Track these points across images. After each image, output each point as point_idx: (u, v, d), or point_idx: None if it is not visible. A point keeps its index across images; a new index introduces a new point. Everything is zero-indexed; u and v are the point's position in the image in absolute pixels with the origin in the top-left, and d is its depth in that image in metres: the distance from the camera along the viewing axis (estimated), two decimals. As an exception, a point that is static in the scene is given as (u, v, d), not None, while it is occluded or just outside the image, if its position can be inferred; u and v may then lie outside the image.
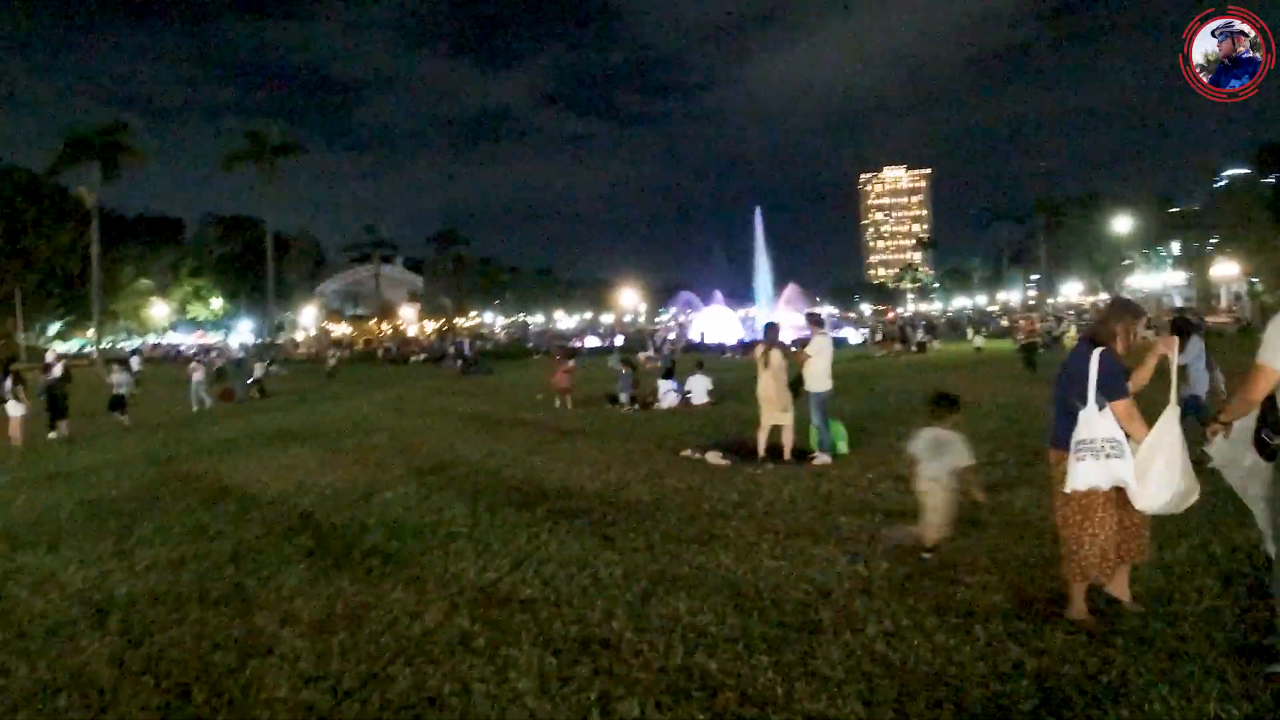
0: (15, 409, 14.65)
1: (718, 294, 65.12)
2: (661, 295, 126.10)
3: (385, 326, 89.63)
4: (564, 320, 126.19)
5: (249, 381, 25.70)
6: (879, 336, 45.25)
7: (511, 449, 11.51)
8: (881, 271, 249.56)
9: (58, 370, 16.45)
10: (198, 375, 22.99)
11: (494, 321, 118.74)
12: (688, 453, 10.35)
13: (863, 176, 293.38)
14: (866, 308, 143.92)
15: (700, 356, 24.68)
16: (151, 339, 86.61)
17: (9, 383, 14.83)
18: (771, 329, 10.35)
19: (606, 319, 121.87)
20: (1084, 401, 4.26)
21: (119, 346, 70.24)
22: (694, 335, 55.86)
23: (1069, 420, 4.32)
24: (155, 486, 9.86)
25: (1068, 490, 4.31)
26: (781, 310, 57.92)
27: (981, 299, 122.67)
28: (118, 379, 20.36)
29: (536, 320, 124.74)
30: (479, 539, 6.57)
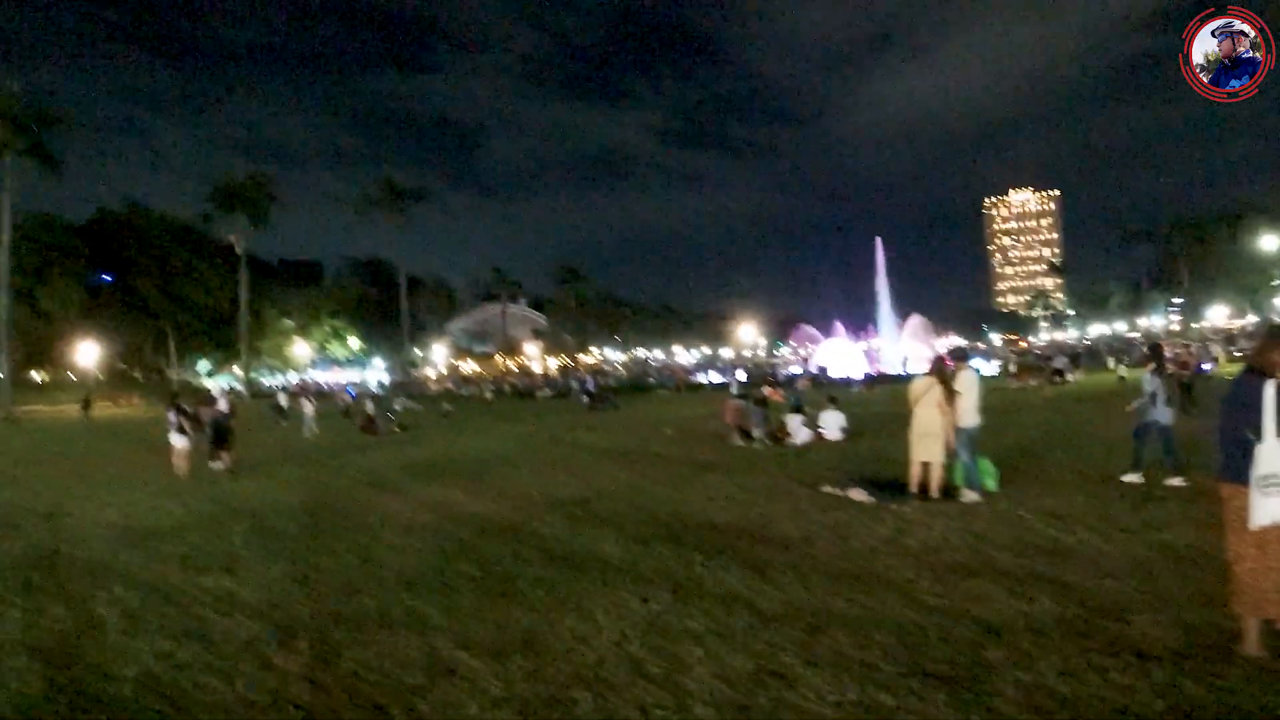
0: (179, 440, 15.74)
1: (838, 326, 64.33)
2: (780, 328, 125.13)
3: (510, 363, 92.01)
4: (683, 355, 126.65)
5: (389, 416, 26.83)
6: (1013, 368, 43.65)
7: (650, 483, 11.66)
8: (1011, 299, 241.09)
9: (223, 404, 17.63)
10: (308, 409, 26.02)
11: (614, 357, 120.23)
12: (829, 489, 10.27)
13: (987, 200, 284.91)
14: (996, 337, 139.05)
15: (833, 391, 24.43)
16: (294, 375, 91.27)
17: (173, 415, 15.96)
18: (938, 361, 10.21)
19: (726, 353, 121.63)
20: (1259, 435, 4.11)
21: (267, 383, 74.21)
22: (816, 368, 55.20)
23: (1241, 453, 4.18)
24: (316, 514, 10.43)
25: (1253, 526, 4.16)
26: (906, 341, 56.58)
27: (1120, 325, 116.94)
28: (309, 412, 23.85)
29: (656, 355, 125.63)
30: (635, 571, 6.71)
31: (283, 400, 30.97)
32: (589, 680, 4.50)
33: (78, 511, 11.40)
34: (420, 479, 13.39)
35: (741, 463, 13.57)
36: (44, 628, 5.97)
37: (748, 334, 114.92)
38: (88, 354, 68.20)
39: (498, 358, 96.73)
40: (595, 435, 20.13)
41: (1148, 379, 10.50)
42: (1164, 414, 10.20)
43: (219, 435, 16.70)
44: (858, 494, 9.77)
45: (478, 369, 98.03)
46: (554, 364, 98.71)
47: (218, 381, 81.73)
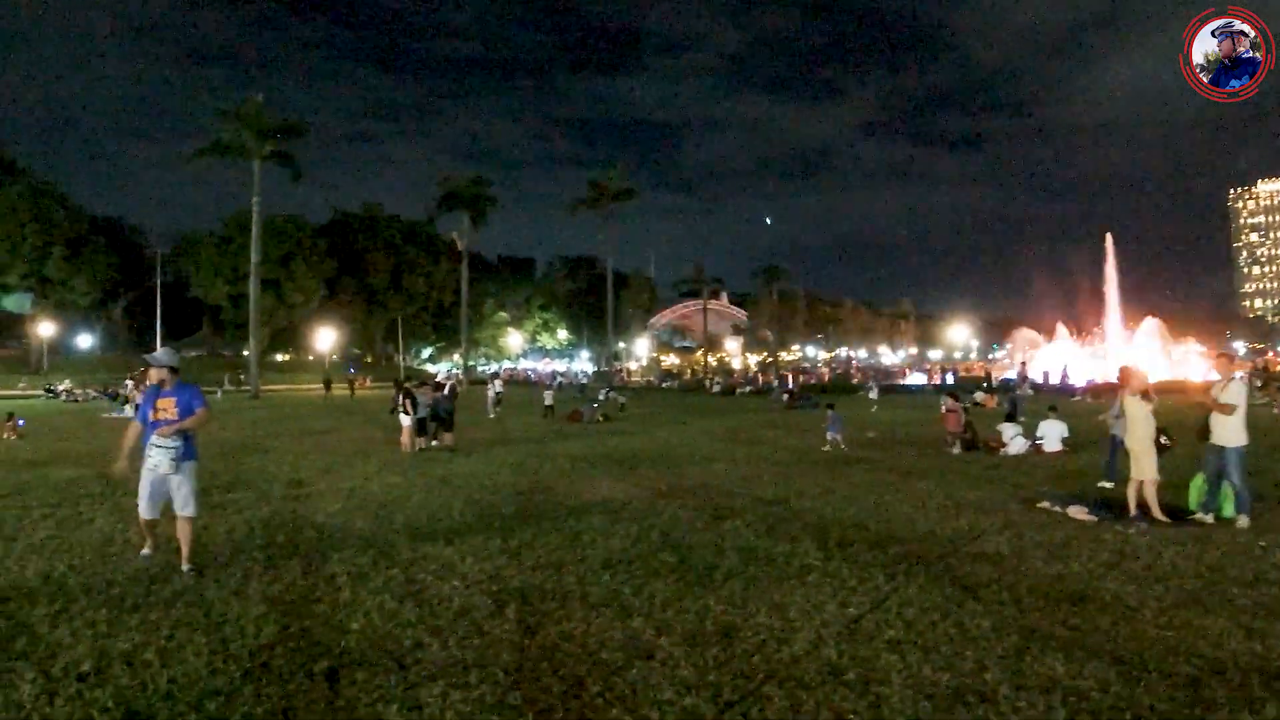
0: (406, 420, 17.05)
1: (1060, 328, 60.21)
2: (995, 329, 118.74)
3: (711, 359, 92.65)
4: (888, 355, 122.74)
5: (594, 405, 27.77)
6: (1259, 382, 39.13)
7: (851, 487, 11.45)
8: (1259, 303, 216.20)
9: (447, 389, 18.96)
10: (491, 391, 30.47)
11: (816, 356, 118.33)
12: (1046, 504, 9.70)
13: (1231, 192, 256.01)
14: (1240, 345, 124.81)
15: (1053, 399, 22.94)
16: (507, 364, 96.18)
17: (400, 398, 17.38)
18: (1123, 372, 9.53)
19: (934, 355, 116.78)
20: None
21: (480, 370, 78.81)
22: (1035, 374, 51.96)
23: None
24: (527, 495, 11.01)
25: None
26: (1137, 347, 52.16)
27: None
28: (492, 393, 26.46)
29: (860, 355, 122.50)
30: (834, 574, 6.65)
31: (497, 386, 32.79)
32: (782, 678, 4.53)
33: (316, 480, 12.61)
34: (622, 468, 13.81)
35: (950, 472, 13.05)
36: (283, 582, 6.67)
37: (959, 335, 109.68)
38: (326, 340, 75.11)
39: (698, 353, 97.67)
40: (794, 435, 19.95)
41: None
42: None
43: (441, 417, 17.94)
44: (1078, 512, 9.18)
45: (678, 363, 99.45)
46: (754, 361, 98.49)
47: (440, 368, 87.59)
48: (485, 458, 15.61)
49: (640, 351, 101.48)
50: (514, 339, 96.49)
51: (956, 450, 15.58)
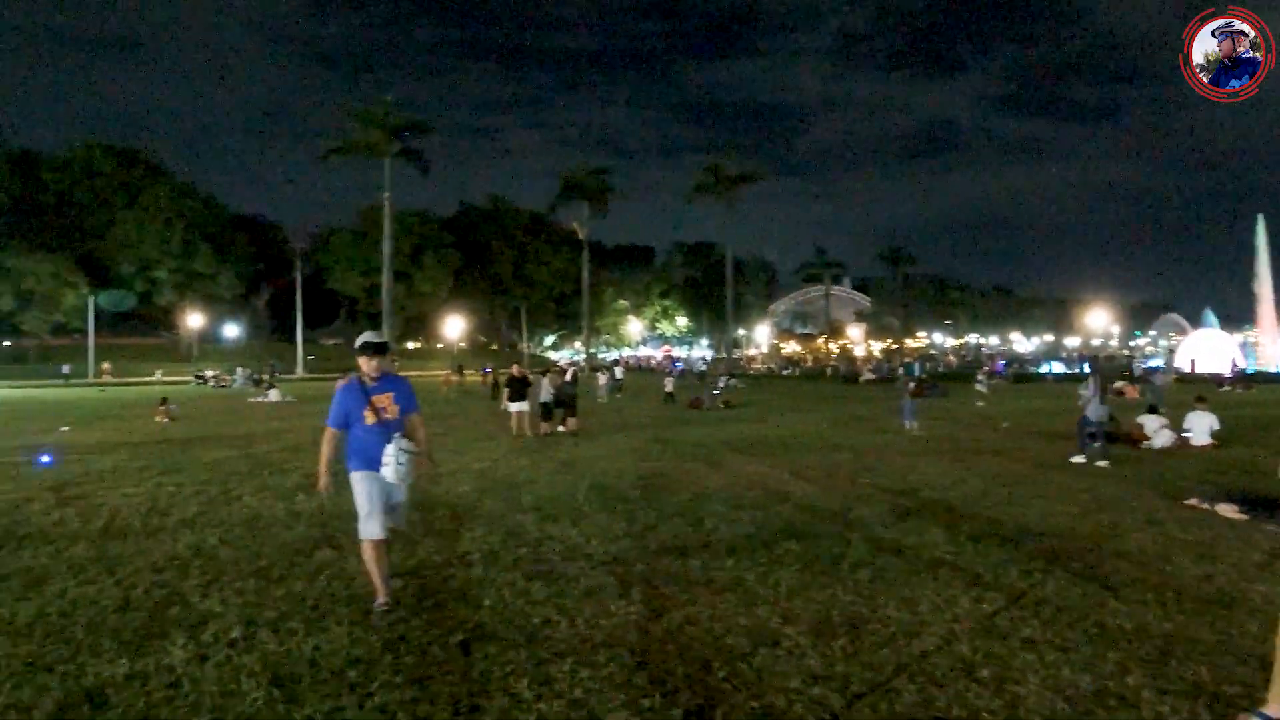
0: (520, 405, 17.45)
1: (1209, 315, 56.51)
2: (1138, 315, 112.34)
3: (833, 345, 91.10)
4: (1021, 342, 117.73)
5: (714, 393, 27.72)
6: None
7: (983, 479, 11.06)
8: None
9: (569, 375, 19.30)
10: (602, 378, 30.78)
11: (944, 342, 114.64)
12: (1193, 501, 9.12)
13: None
14: None
15: (1201, 390, 21.54)
16: (627, 351, 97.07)
17: (517, 384, 17.83)
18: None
19: (1071, 342, 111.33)
20: None
21: (600, 357, 79.86)
22: (1182, 363, 48.97)
23: None
24: (649, 480, 11.09)
25: None
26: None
27: None
28: (602, 382, 26.23)
29: (991, 342, 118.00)
30: (966, 569, 6.43)
31: (619, 374, 33.23)
32: (913, 672, 4.41)
33: (447, 461, 13.03)
34: (744, 455, 13.75)
35: (1087, 465, 12.43)
36: (417, 558, 6.95)
37: (1098, 320, 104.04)
38: (454, 328, 77.59)
39: (820, 340, 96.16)
40: (920, 423, 19.40)
41: None
42: None
43: (564, 402, 18.27)
44: (1227, 509, 8.59)
45: (799, 350, 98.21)
46: (878, 348, 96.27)
47: (562, 355, 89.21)
48: (608, 443, 15.81)
49: (760, 338, 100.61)
50: (634, 326, 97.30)
51: (1098, 443, 14.79)
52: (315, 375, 64.37)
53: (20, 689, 4.30)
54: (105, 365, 59.41)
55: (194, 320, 72.21)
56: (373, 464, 5.46)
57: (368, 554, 5.54)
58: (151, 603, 5.78)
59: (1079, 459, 12.64)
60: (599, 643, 4.87)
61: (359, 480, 5.52)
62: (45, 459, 13.50)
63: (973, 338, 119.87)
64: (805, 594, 5.75)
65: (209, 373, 54.82)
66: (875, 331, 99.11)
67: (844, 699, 4.11)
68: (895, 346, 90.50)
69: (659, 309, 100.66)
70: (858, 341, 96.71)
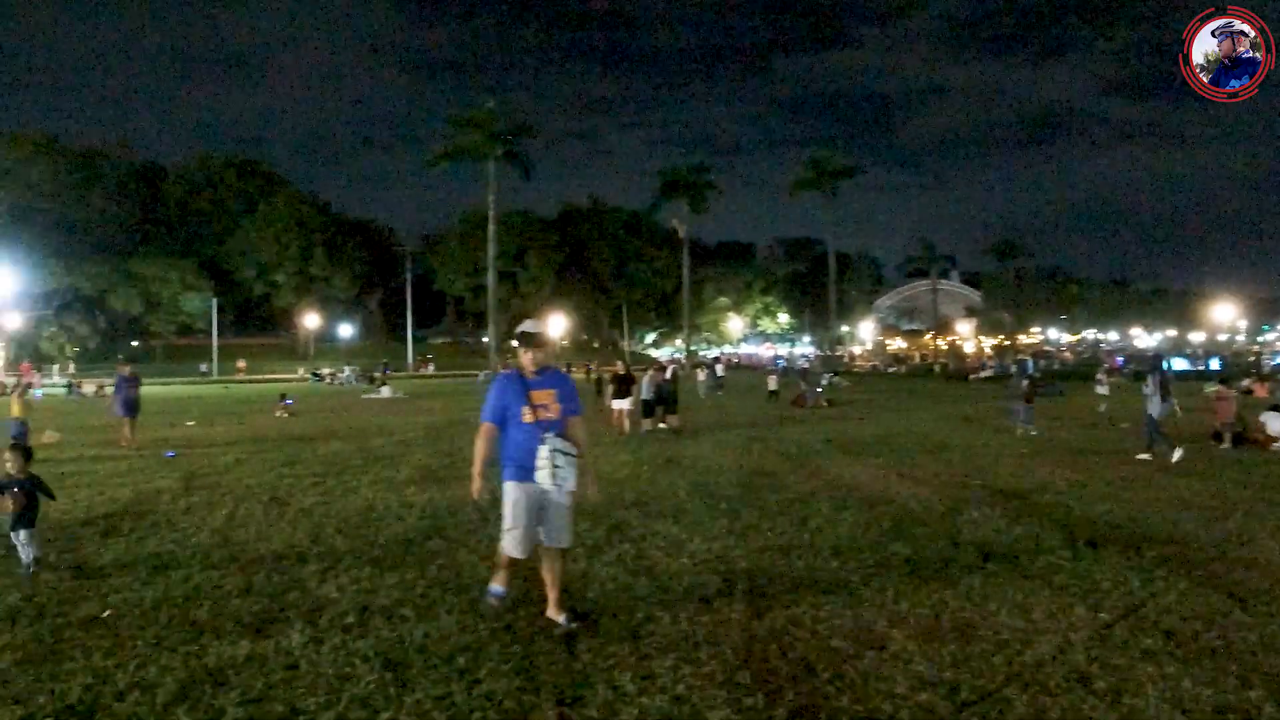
0: (622, 403, 17.58)
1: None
2: (1268, 308, 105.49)
3: (941, 342, 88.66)
4: (1142, 338, 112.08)
5: (817, 391, 27.36)
6: None
7: (1100, 482, 10.60)
8: None
9: (669, 373, 19.35)
10: (701, 375, 30.84)
11: (1059, 339, 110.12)
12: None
13: None
14: None
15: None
16: (728, 348, 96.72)
17: (614, 382, 18.03)
18: None
19: (1195, 337, 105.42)
20: None
21: (701, 354, 79.81)
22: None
23: None
24: (751, 478, 11.02)
25: None
26: None
27: None
28: (701, 379, 26.16)
29: (1109, 337, 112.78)
30: (1083, 575, 6.17)
31: (720, 371, 33.13)
32: (1025, 681, 4.26)
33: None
34: (848, 455, 13.53)
35: (1214, 468, 11.77)
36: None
37: (1223, 314, 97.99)
38: (556, 326, 78.69)
39: (927, 336, 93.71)
40: (1035, 424, 18.69)
41: None
42: None
43: (665, 400, 18.33)
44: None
45: (905, 347, 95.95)
46: (989, 344, 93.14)
47: (663, 353, 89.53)
48: (709, 440, 15.78)
49: (864, 335, 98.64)
50: (735, 324, 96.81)
51: (1226, 445, 14.00)
52: (427, 374, 66.36)
53: (146, 668, 4.57)
54: (241, 363, 63.18)
55: (310, 321, 75.44)
56: (527, 470, 4.90)
57: (502, 562, 5.32)
58: (271, 588, 6.07)
59: (1146, 456, 12.60)
60: (701, 640, 4.87)
61: (509, 490, 5.02)
62: (170, 452, 14.31)
63: (1090, 333, 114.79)
64: (913, 598, 5.62)
65: (324, 370, 57.17)
66: (986, 327, 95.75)
67: (952, 706, 4.01)
68: (1007, 343, 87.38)
69: (760, 306, 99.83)
70: (967, 338, 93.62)
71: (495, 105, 55.82)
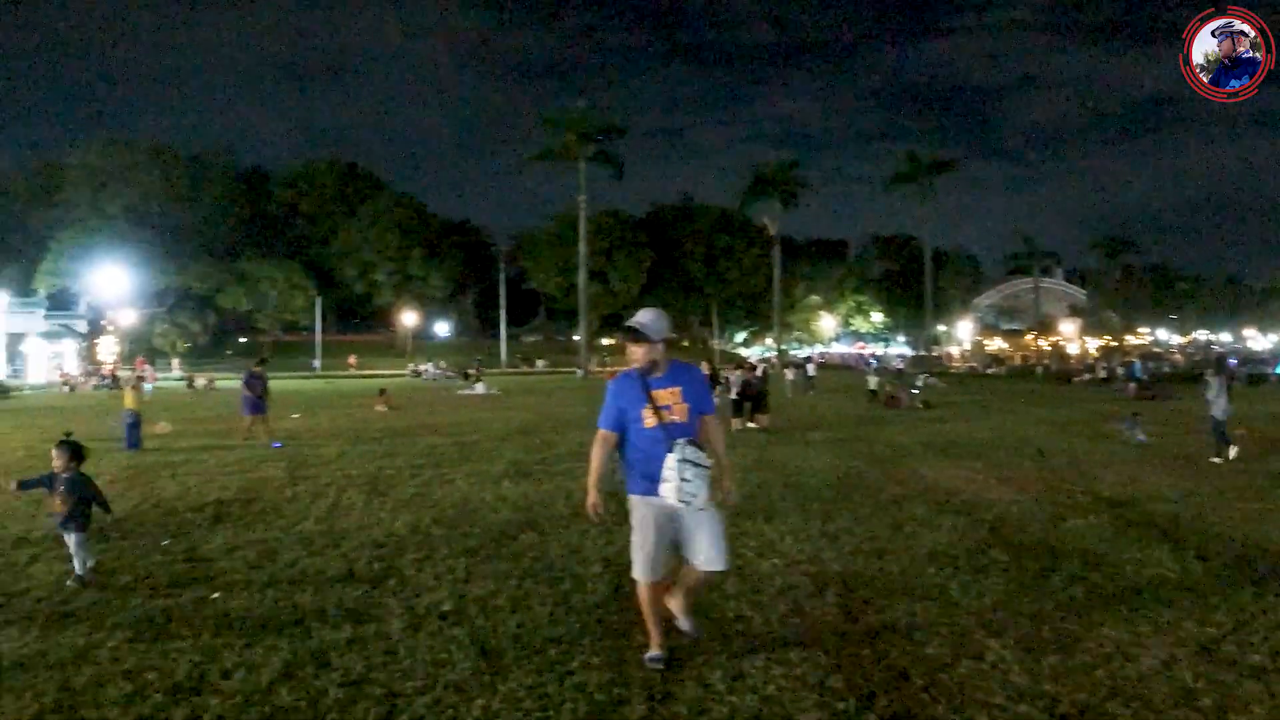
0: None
1: None
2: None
3: (1043, 342, 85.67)
4: (1256, 339, 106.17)
5: (913, 392, 26.80)
6: None
7: (1213, 491, 10.09)
8: None
9: (759, 371, 19.26)
10: (789, 375, 30.95)
11: (1169, 339, 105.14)
12: None
13: None
14: None
15: None
16: (819, 348, 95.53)
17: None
18: None
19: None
20: None
21: (792, 353, 79.02)
22: None
23: None
24: (844, 479, 10.88)
25: None
26: None
27: None
28: (791, 377, 26.26)
29: (1222, 339, 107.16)
30: (1192, 588, 5.90)
31: (811, 370, 32.77)
32: (1128, 696, 4.12)
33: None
34: (943, 458, 13.22)
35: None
36: (615, 545, 7.12)
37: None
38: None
39: (1029, 336, 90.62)
40: (1144, 429, 17.93)
41: None
42: None
43: (755, 399, 18.23)
44: None
45: (1005, 347, 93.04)
46: (1094, 345, 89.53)
47: (754, 351, 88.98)
48: (800, 440, 15.64)
49: (962, 335, 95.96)
50: (826, 322, 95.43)
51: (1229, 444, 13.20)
52: (527, 371, 67.74)
53: (252, 648, 4.81)
54: (352, 358, 66.03)
55: (408, 318, 77.65)
56: (653, 482, 4.31)
57: (641, 594, 4.51)
58: (372, 575, 6.31)
59: (1217, 460, 12.58)
60: (792, 641, 4.85)
61: (636, 506, 4.47)
62: (277, 443, 14.93)
63: (1201, 334, 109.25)
64: (1012, 607, 5.48)
65: (422, 367, 58.83)
66: (1091, 328, 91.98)
67: (1051, 719, 3.90)
68: (1114, 344, 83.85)
69: (853, 304, 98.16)
70: (1071, 338, 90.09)
71: (585, 106, 56.51)
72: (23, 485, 6.54)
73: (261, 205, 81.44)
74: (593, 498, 4.55)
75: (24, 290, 59.41)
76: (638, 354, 4.47)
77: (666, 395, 4.43)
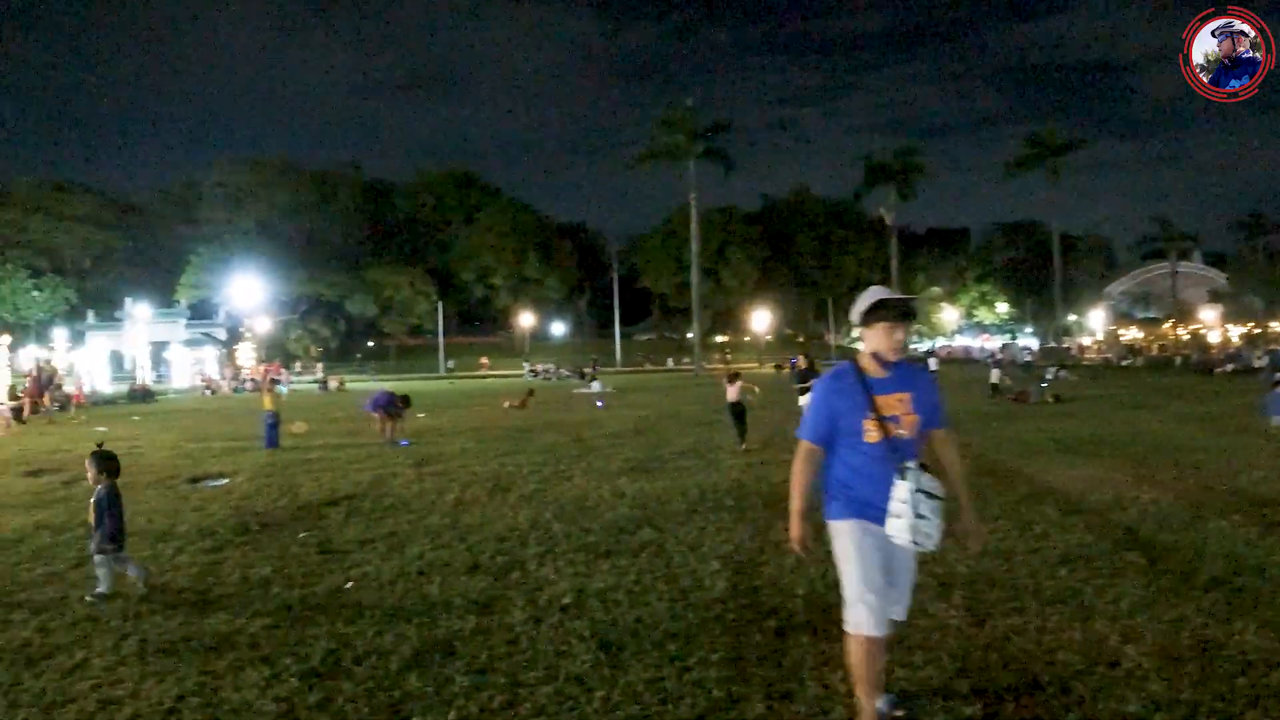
0: (806, 399, 17.40)
1: None
2: None
3: (1182, 331, 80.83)
4: None
5: (1042, 385, 25.76)
6: None
7: (1379, 488, 9.35)
8: None
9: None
10: (932, 364, 30.12)
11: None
12: None
13: None
14: None
15: None
16: (942, 341, 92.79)
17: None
18: None
19: None
20: None
21: (912, 347, 77.03)
22: None
23: None
24: (971, 477, 10.50)
25: None
26: None
27: None
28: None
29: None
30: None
31: (933, 365, 31.90)
32: (1270, 706, 3.88)
33: (761, 451, 13.30)
34: (1077, 455, 12.65)
35: None
36: (733, 543, 7.23)
37: None
38: (761, 321, 78.47)
39: (1166, 325, 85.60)
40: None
41: None
42: None
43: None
44: None
45: (1141, 337, 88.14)
46: (1236, 333, 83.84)
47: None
48: (919, 438, 15.22)
49: (1094, 324, 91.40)
50: (949, 314, 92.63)
51: None
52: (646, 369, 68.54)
53: (382, 636, 5.07)
54: (484, 360, 68.64)
55: (525, 320, 79.54)
56: (872, 510, 3.45)
57: (853, 651, 3.53)
58: (495, 567, 6.54)
59: None
60: (915, 644, 4.76)
61: (846, 534, 3.52)
62: (405, 441, 15.54)
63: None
64: (1149, 611, 5.22)
65: (540, 367, 60.21)
66: (1233, 314, 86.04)
67: (1188, 728, 3.72)
68: (1258, 331, 78.33)
69: (976, 295, 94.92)
70: (1212, 326, 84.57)
71: (693, 104, 56.53)
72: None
73: (385, 215, 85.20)
74: (796, 530, 3.66)
75: (167, 301, 63.92)
76: (898, 339, 3.48)
77: (894, 402, 3.45)
